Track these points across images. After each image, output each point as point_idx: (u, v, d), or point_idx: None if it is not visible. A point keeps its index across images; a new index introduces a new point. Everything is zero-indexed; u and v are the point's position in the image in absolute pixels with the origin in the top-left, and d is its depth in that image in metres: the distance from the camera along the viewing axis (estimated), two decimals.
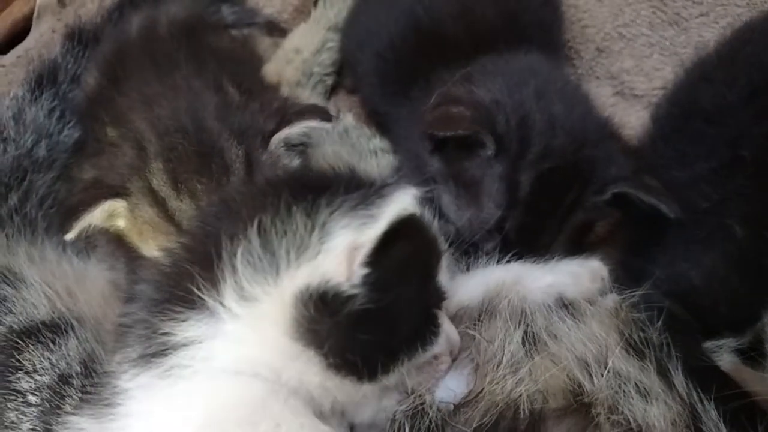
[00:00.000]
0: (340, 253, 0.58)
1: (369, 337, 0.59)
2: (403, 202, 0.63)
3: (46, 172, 1.04)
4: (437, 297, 0.68)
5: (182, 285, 0.61)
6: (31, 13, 1.36)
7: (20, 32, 1.36)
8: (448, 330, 0.68)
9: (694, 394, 0.66)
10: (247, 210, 0.63)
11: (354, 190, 0.63)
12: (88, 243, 0.99)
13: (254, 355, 0.60)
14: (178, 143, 0.85)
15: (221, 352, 0.60)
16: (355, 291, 0.58)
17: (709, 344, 0.75)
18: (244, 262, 0.59)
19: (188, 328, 0.60)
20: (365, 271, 0.58)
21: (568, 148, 0.85)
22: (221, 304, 0.59)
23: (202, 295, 0.59)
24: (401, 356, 0.62)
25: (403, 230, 0.61)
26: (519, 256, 0.82)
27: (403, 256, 0.62)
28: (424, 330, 0.64)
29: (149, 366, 0.61)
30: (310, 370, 0.60)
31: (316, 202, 0.61)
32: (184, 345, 0.59)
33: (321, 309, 0.58)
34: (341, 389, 0.61)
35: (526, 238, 0.85)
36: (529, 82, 0.89)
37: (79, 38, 1.15)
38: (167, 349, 0.60)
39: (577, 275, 0.80)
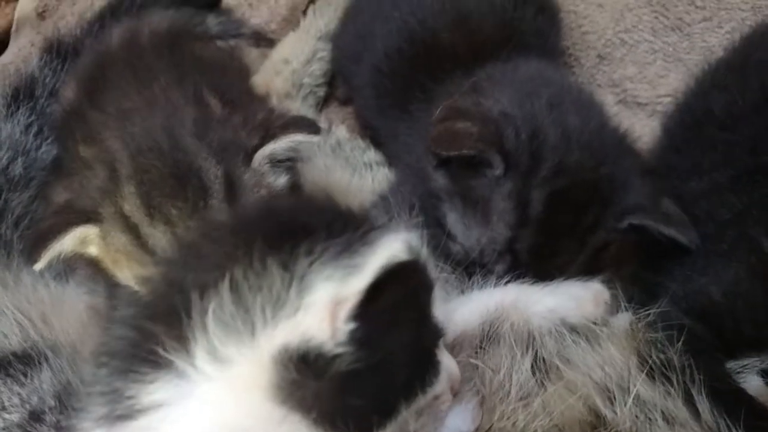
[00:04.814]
0: (321, 308, 0.52)
1: (361, 400, 0.53)
2: (391, 248, 0.56)
3: (22, 191, 0.99)
4: (434, 335, 0.62)
5: (146, 346, 0.55)
6: (10, 27, 1.32)
7: None
8: (447, 365, 0.62)
9: (722, 421, 0.61)
10: (217, 258, 0.57)
11: (338, 233, 0.56)
12: (66, 265, 0.94)
13: (232, 419, 0.54)
14: (151, 165, 0.78)
15: (195, 415, 0.53)
16: (340, 350, 0.52)
17: (732, 365, 0.70)
18: (216, 320, 0.53)
19: (156, 391, 0.54)
20: (351, 326, 0.52)
21: (585, 165, 0.79)
22: (192, 365, 0.53)
23: (169, 356, 0.53)
24: (399, 407, 0.57)
25: (392, 276, 0.55)
26: (522, 277, 0.77)
27: (394, 305, 0.56)
28: (423, 373, 0.59)
29: (114, 428, 0.55)
30: None
31: (294, 252, 0.54)
32: (152, 408, 0.54)
33: (304, 371, 0.52)
34: None
35: (540, 260, 0.79)
36: (540, 91, 0.83)
37: (58, 51, 1.10)
38: (133, 413, 0.54)
39: (579, 299, 0.75)
